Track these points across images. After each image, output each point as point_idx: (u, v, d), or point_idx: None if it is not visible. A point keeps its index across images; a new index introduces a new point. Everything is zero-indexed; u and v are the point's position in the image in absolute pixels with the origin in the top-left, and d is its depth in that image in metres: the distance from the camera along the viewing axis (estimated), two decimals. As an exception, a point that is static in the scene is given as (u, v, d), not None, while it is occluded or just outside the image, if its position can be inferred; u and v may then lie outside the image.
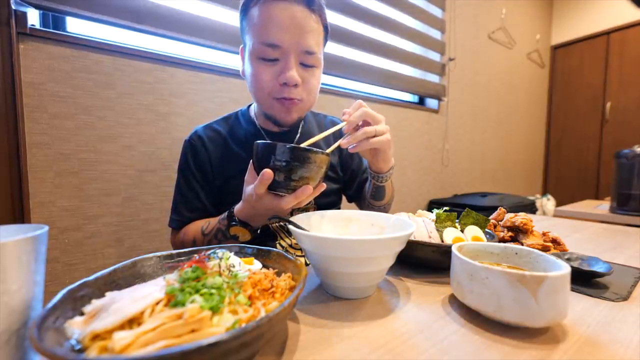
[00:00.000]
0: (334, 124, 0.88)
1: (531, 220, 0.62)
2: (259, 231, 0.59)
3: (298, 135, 0.77)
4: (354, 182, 0.87)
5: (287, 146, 0.46)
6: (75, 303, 0.28)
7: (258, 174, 0.49)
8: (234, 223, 0.56)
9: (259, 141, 0.49)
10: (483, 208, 1.80)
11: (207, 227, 0.62)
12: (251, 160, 0.53)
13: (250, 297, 0.30)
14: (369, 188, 0.76)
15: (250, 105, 0.81)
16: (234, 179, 0.70)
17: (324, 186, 0.52)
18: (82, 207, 0.92)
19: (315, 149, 0.48)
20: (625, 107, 2.84)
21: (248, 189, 0.52)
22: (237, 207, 0.56)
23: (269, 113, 0.67)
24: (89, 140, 0.91)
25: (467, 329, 0.36)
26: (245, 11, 0.63)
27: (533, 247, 0.53)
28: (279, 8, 0.59)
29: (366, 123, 0.60)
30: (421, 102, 2.15)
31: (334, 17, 1.49)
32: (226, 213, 0.58)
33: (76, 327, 0.26)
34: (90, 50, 0.90)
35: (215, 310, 0.26)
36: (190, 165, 0.71)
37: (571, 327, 0.36)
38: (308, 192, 0.48)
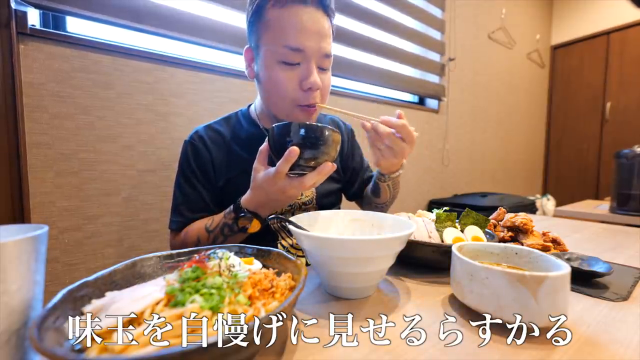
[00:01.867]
0: (334, 123, 0.88)
1: (531, 220, 0.62)
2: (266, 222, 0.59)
3: None
4: (355, 181, 0.88)
5: (305, 125, 0.48)
6: (75, 303, 0.28)
7: (276, 157, 0.50)
8: (242, 214, 0.56)
9: (275, 124, 0.50)
10: (483, 208, 1.80)
11: (212, 223, 0.62)
12: (260, 148, 0.54)
13: (250, 297, 0.30)
14: (372, 183, 0.79)
15: (250, 106, 0.80)
16: (235, 179, 0.70)
17: (335, 167, 0.52)
18: (82, 207, 0.91)
19: (330, 127, 0.49)
20: (625, 107, 2.84)
21: (260, 175, 0.52)
22: (245, 198, 0.57)
23: (287, 119, 0.65)
24: (89, 140, 0.91)
25: (467, 329, 0.36)
26: (258, 12, 0.61)
27: (533, 247, 0.53)
28: (301, 12, 0.58)
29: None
30: (421, 102, 2.15)
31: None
32: (232, 206, 0.58)
33: (76, 327, 0.26)
34: (90, 50, 0.90)
35: (215, 310, 0.26)
36: (191, 165, 0.71)
37: (571, 327, 0.36)
38: (329, 169, 0.49)
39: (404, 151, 0.61)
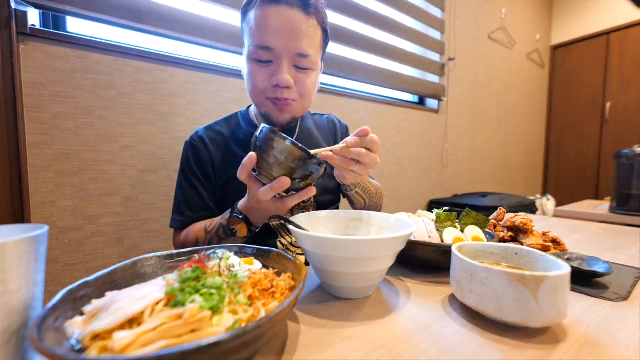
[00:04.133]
0: (331, 122, 0.88)
1: (531, 220, 0.62)
2: (257, 230, 0.59)
3: (296, 133, 0.78)
4: None
5: (296, 146, 0.45)
6: (75, 303, 0.28)
7: (257, 161, 0.48)
8: (235, 214, 0.57)
9: (263, 127, 0.47)
10: (483, 208, 1.80)
11: (211, 224, 0.63)
12: (243, 162, 0.50)
13: (250, 297, 0.30)
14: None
15: (250, 106, 0.81)
16: (235, 179, 0.70)
17: (313, 191, 0.50)
18: (82, 207, 0.91)
19: (318, 158, 0.47)
20: (625, 107, 2.84)
21: (250, 192, 0.53)
22: (241, 201, 0.58)
23: (263, 112, 0.68)
24: (89, 140, 0.91)
25: (467, 329, 0.36)
26: (244, 14, 0.65)
27: (533, 247, 0.53)
28: (273, 12, 0.60)
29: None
30: (421, 102, 2.15)
31: (334, 17, 1.49)
32: (230, 209, 0.59)
33: (76, 327, 0.26)
34: (90, 50, 0.90)
35: (215, 310, 0.26)
36: (192, 165, 0.72)
37: (571, 327, 0.36)
38: (284, 183, 0.47)
39: (376, 160, 0.56)
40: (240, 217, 0.56)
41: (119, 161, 0.97)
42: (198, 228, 0.66)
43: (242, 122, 0.77)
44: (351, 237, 0.37)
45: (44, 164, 0.85)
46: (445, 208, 0.60)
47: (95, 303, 0.28)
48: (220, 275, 0.31)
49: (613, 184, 1.48)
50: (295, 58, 0.63)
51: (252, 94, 0.67)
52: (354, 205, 0.77)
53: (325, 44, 0.71)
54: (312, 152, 0.49)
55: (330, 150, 0.53)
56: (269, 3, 0.60)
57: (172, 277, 0.30)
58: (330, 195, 0.81)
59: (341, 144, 0.53)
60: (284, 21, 0.60)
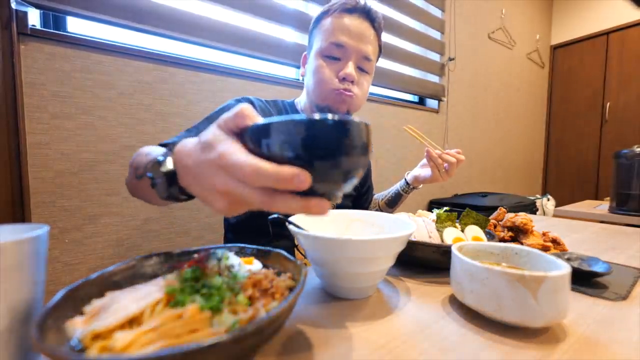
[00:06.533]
0: None
1: (531, 220, 0.62)
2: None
3: None
4: (367, 200, 0.99)
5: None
6: (75, 303, 0.28)
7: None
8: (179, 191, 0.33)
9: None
10: (483, 208, 1.80)
11: (140, 160, 0.46)
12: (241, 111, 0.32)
13: (250, 297, 0.30)
14: (389, 195, 0.94)
15: (293, 100, 0.87)
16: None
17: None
18: (82, 207, 0.91)
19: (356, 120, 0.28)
20: (625, 107, 2.83)
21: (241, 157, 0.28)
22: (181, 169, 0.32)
23: (324, 104, 0.74)
24: (89, 140, 0.91)
25: (467, 329, 0.36)
26: (318, 21, 0.75)
27: (533, 247, 0.53)
28: (349, 19, 0.71)
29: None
30: (421, 102, 2.15)
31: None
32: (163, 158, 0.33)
33: (76, 327, 0.26)
34: (90, 50, 0.90)
35: (215, 310, 0.26)
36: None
37: (571, 327, 0.36)
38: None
39: (454, 172, 0.79)
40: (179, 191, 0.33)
41: (119, 161, 0.97)
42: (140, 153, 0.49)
43: (288, 109, 0.83)
44: (351, 237, 0.37)
45: (44, 164, 0.85)
46: (445, 208, 0.60)
47: (95, 303, 0.28)
48: (220, 275, 0.31)
49: (612, 184, 1.48)
50: (360, 59, 0.72)
51: (317, 85, 0.73)
52: (392, 209, 0.94)
53: (378, 58, 0.81)
54: (428, 146, 0.80)
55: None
56: (347, 12, 0.71)
57: (172, 277, 0.30)
58: (344, 201, 0.86)
59: (442, 150, 0.79)
60: (357, 27, 0.71)
